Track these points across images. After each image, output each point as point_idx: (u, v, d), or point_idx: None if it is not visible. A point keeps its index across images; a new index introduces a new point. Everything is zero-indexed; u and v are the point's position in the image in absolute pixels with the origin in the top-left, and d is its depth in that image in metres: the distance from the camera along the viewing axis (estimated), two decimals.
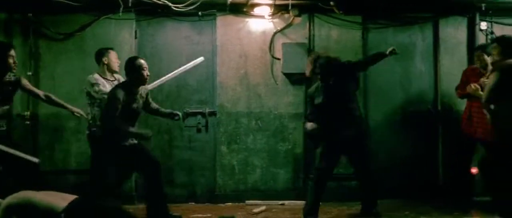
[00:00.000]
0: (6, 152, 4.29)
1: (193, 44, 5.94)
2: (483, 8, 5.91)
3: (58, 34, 5.69)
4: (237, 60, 5.89)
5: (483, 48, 5.26)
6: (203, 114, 5.91)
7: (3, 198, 3.15)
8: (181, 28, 5.94)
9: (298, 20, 5.87)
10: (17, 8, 5.59)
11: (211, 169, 5.93)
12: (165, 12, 5.68)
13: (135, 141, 4.63)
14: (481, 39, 6.00)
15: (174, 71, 5.31)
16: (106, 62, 5.01)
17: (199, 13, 5.73)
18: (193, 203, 5.81)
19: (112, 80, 5.01)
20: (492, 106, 4.24)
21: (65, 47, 5.71)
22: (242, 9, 5.80)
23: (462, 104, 5.62)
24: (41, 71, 5.68)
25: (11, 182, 4.38)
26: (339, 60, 4.94)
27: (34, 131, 5.63)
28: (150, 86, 4.97)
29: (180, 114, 4.87)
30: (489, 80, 4.33)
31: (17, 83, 4.63)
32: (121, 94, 4.41)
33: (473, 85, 4.88)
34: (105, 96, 4.69)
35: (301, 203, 5.10)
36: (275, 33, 5.88)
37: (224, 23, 5.87)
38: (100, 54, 5.06)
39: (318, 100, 4.86)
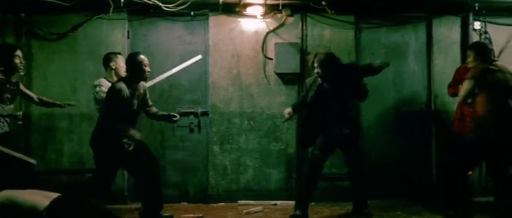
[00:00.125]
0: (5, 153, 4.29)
1: (185, 44, 5.95)
2: (477, 8, 5.90)
3: (50, 34, 5.70)
4: (230, 60, 5.88)
5: None
6: (195, 114, 5.91)
7: None
8: (174, 28, 5.94)
9: (290, 20, 5.86)
10: (10, 8, 5.60)
11: (204, 169, 5.93)
12: (157, 12, 5.68)
13: (137, 137, 4.57)
14: (474, 39, 5.97)
15: (172, 69, 5.32)
16: (113, 67, 4.97)
17: (192, 13, 5.74)
18: (185, 203, 5.80)
19: None
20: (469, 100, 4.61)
21: (58, 47, 5.72)
22: (234, 9, 5.80)
23: (455, 104, 5.57)
24: (34, 71, 5.68)
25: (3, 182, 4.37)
26: (340, 60, 4.96)
27: (27, 131, 5.63)
28: (148, 84, 4.96)
29: (177, 115, 4.85)
30: (464, 84, 4.56)
31: (17, 86, 4.73)
32: (123, 87, 4.41)
33: None
34: (103, 95, 4.68)
35: (293, 203, 5.07)
36: (267, 33, 5.88)
37: (217, 23, 5.87)
38: (108, 59, 5.02)
39: (311, 94, 4.89)
